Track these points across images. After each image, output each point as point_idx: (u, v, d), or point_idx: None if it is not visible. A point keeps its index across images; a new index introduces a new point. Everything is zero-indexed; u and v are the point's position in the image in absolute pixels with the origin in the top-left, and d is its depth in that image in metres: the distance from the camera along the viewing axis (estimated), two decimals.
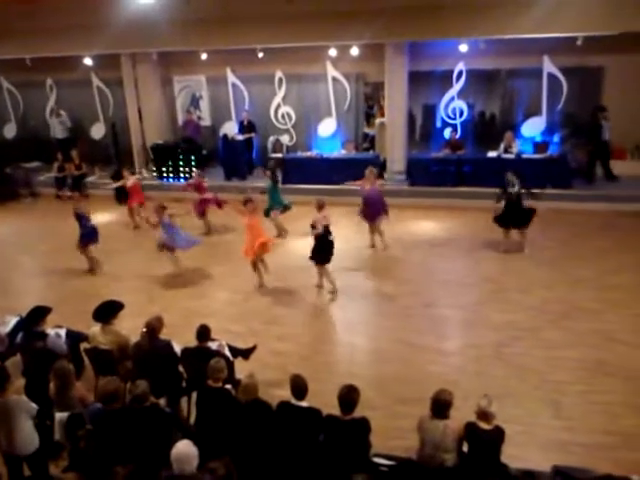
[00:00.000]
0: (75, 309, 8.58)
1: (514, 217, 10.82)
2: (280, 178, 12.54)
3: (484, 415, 4.89)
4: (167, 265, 10.57)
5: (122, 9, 12.98)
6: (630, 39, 12.27)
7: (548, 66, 14.05)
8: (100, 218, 13.39)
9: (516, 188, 10.64)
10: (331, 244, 9.42)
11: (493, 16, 12.61)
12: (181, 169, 16.25)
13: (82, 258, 10.89)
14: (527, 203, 10.80)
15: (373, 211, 11.21)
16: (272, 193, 12.05)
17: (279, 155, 15.72)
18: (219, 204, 12.58)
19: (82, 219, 10.64)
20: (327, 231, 9.25)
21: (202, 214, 12.75)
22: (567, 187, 13.53)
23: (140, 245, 11.80)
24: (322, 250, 9.38)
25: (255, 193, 11.31)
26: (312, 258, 9.48)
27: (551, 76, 14.13)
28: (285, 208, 12.09)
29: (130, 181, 13.42)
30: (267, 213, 11.95)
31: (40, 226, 14.18)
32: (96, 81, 17.61)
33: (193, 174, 14.02)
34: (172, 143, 16.62)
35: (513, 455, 5.16)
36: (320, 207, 9.49)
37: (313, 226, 9.29)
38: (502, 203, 10.81)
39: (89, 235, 10.71)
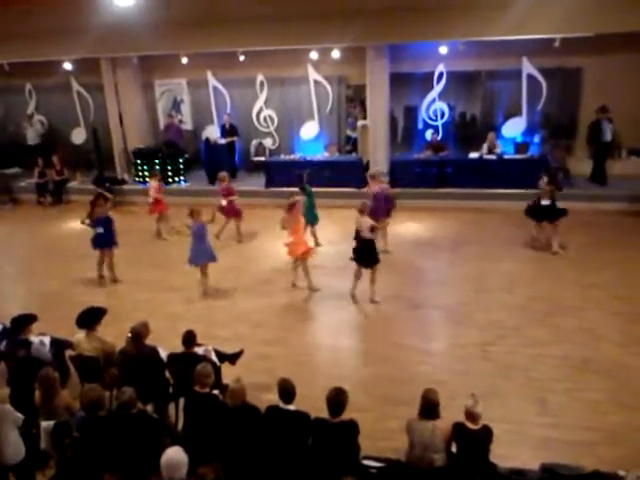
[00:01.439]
0: (58, 316, 8.48)
1: (545, 211, 10.97)
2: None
3: (471, 415, 4.92)
4: (150, 269, 10.50)
5: (102, 13, 12.87)
6: (608, 40, 12.45)
7: (527, 67, 14.21)
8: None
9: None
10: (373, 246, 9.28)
11: (472, 18, 12.70)
12: (164, 173, 16.15)
13: (67, 264, 10.79)
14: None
15: (383, 209, 11.12)
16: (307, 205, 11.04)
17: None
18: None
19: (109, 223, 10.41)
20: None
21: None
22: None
23: (123, 250, 11.69)
24: (367, 253, 9.25)
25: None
26: (357, 260, 9.34)
27: (530, 77, 14.29)
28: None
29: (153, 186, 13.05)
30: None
31: (22, 232, 14.04)
32: (76, 86, 17.49)
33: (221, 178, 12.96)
34: (154, 147, 16.53)
35: (501, 454, 5.20)
36: (362, 211, 9.27)
37: (359, 231, 9.18)
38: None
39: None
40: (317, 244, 11.50)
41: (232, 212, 12.29)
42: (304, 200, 10.54)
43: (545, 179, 11.17)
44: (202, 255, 9.79)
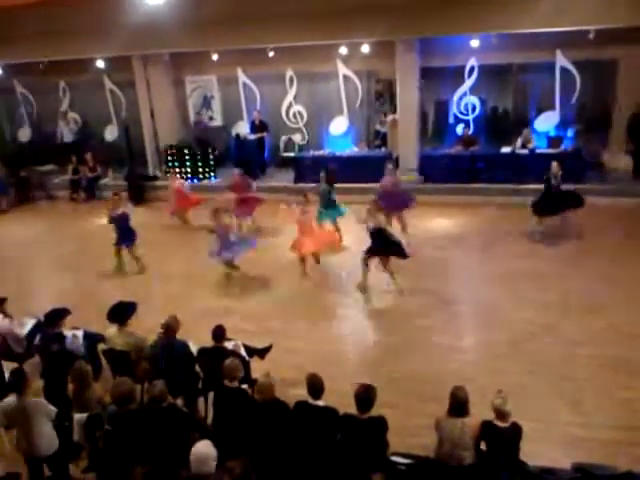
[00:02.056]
0: (91, 310, 8.63)
1: (552, 204, 11.01)
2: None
3: (500, 413, 4.87)
4: (181, 264, 10.62)
5: (133, 11, 13.02)
6: None
7: (561, 60, 13.95)
8: None
9: (558, 180, 10.97)
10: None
11: (504, 10, 12.52)
12: (194, 169, 16.31)
13: (99, 259, 10.97)
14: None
15: (397, 202, 11.24)
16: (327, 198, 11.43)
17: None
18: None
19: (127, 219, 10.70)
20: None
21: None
22: (581, 182, 13.40)
23: (155, 245, 11.83)
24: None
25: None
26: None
27: (564, 70, 14.03)
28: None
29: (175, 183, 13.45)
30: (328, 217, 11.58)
31: (56, 228, 14.30)
32: (108, 83, 17.71)
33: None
34: (185, 144, 16.67)
35: (531, 452, 5.13)
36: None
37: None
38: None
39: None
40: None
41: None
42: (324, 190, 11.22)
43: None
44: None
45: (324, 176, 11.58)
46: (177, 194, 13.50)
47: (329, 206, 11.45)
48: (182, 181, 13.65)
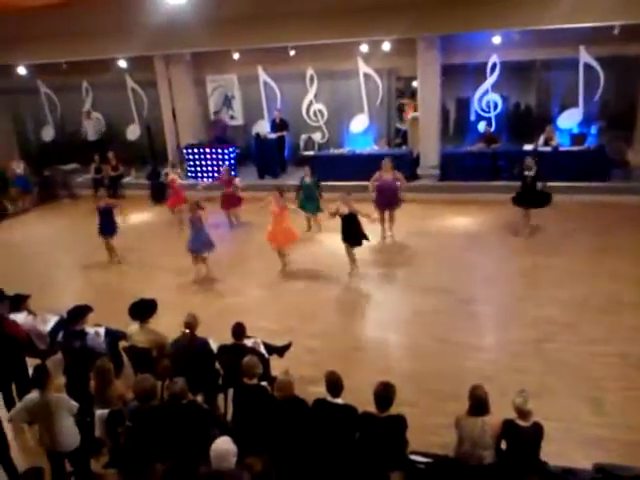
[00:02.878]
0: (113, 308, 8.70)
1: (531, 198, 11.17)
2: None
3: (521, 412, 4.83)
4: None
5: (155, 11, 13.14)
6: None
7: (584, 56, 13.77)
8: (136, 218, 13.61)
9: (532, 172, 11.02)
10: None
11: (527, 6, 12.39)
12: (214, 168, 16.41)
13: (121, 257, 11.11)
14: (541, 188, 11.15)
15: (391, 199, 11.37)
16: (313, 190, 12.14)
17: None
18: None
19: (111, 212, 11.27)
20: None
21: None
22: (605, 180, 13.24)
23: (175, 243, 11.90)
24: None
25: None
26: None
27: (587, 66, 13.84)
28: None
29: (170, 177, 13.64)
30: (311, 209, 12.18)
31: (79, 226, 14.42)
32: (130, 83, 17.87)
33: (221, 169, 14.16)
34: (206, 143, 16.76)
35: (552, 452, 5.09)
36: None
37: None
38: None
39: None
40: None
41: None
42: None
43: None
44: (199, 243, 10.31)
45: (309, 171, 12.21)
46: (172, 189, 13.61)
47: (311, 199, 12.03)
48: (177, 175, 13.74)
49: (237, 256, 11.40)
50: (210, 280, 10.37)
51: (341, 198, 9.99)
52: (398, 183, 11.45)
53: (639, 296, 8.72)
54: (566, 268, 9.92)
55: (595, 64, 13.76)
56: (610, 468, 4.81)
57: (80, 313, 6.89)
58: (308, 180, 12.15)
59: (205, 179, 15.95)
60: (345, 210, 9.78)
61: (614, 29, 12.25)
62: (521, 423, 4.83)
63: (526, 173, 11.10)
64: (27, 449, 6.33)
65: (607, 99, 14.15)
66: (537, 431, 4.83)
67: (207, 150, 16.37)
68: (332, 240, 10.64)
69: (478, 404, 4.95)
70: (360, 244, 9.95)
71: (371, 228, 10.46)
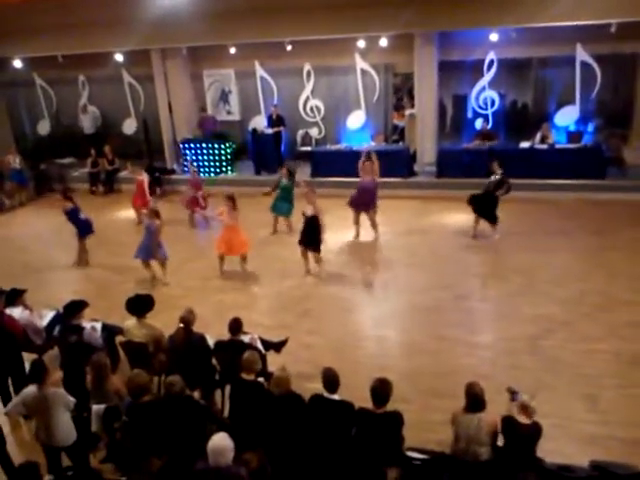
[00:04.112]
0: (110, 302, 8.73)
1: (483, 205, 11.11)
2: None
3: (525, 410, 4.85)
4: (197, 258, 10.68)
5: (151, 5, 13.10)
6: None
7: (581, 54, 13.77)
8: (132, 213, 13.56)
9: (496, 177, 10.89)
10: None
11: (524, 4, 12.41)
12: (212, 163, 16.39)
13: (117, 251, 11.08)
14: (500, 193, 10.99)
15: (366, 201, 11.32)
16: (289, 192, 11.97)
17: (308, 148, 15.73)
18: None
19: (74, 214, 11.08)
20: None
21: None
22: (601, 177, 13.27)
23: (172, 240, 11.88)
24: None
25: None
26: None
27: (584, 64, 13.85)
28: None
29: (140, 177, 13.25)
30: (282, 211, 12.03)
31: None
32: (127, 77, 17.79)
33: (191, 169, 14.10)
34: (202, 138, 16.71)
35: (548, 449, 5.11)
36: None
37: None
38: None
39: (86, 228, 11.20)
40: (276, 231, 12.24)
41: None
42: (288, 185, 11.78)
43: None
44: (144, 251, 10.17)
45: (286, 172, 11.99)
46: (137, 188, 13.28)
47: (285, 201, 11.90)
48: (145, 177, 13.31)
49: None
50: (206, 277, 10.35)
51: (306, 196, 9.95)
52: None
53: (634, 294, 8.77)
54: (562, 265, 9.95)
55: (592, 62, 13.76)
56: (606, 465, 4.83)
57: (76, 308, 6.88)
58: (285, 181, 11.98)
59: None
60: (308, 212, 9.73)
61: (611, 27, 12.27)
62: (521, 420, 4.85)
63: (492, 178, 11.01)
64: (23, 443, 6.33)
65: (604, 97, 14.16)
66: (536, 430, 4.85)
67: (204, 145, 16.32)
68: (331, 235, 10.61)
69: (474, 401, 4.97)
70: (318, 250, 9.89)
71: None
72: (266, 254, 10.91)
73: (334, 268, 10.24)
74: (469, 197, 11.27)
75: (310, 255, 10.08)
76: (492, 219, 11.10)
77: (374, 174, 11.38)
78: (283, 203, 11.96)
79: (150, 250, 10.08)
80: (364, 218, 11.56)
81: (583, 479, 4.78)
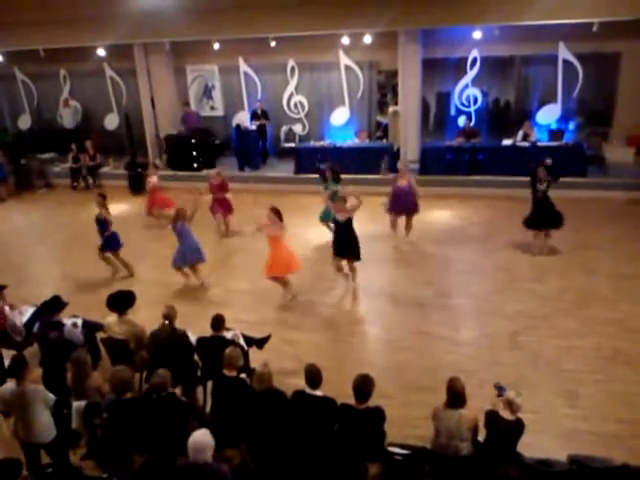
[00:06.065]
0: (90, 298, 8.67)
1: (544, 217, 10.14)
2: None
3: (510, 405, 4.89)
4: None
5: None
6: None
7: (564, 52, 13.88)
8: (114, 209, 13.44)
9: (544, 186, 9.91)
10: None
11: (508, 2, 12.50)
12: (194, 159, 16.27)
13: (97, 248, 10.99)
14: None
15: (408, 205, 10.95)
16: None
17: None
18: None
19: (104, 225, 10.07)
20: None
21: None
22: (582, 175, 13.39)
23: (154, 235, 11.84)
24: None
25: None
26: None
27: (567, 62, 13.96)
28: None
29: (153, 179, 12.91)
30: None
31: (55, 216, 14.29)
32: (109, 71, 17.64)
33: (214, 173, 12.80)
34: (185, 133, 16.61)
35: (528, 444, 5.15)
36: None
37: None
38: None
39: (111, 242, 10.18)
40: None
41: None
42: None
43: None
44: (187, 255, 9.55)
45: (330, 174, 10.87)
46: (152, 192, 12.91)
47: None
48: (156, 178, 12.94)
49: (216, 250, 11.31)
50: (188, 274, 10.30)
51: (348, 196, 9.05)
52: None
53: (614, 290, 8.87)
54: (543, 263, 10.04)
55: (574, 60, 13.88)
56: (584, 460, 4.88)
57: (56, 304, 6.84)
58: (333, 185, 10.63)
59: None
60: (341, 217, 8.91)
61: (593, 26, 12.37)
62: (505, 416, 4.89)
63: (538, 187, 9.95)
64: (2, 441, 6.25)
65: (585, 95, 14.29)
66: (519, 426, 4.90)
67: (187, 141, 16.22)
68: (312, 231, 10.63)
69: (455, 396, 5.00)
70: (359, 258, 9.10)
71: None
72: (250, 251, 10.86)
73: (317, 265, 10.23)
74: (526, 221, 10.28)
75: (344, 264, 9.22)
76: (558, 221, 10.13)
77: (410, 179, 10.92)
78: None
79: (187, 255, 9.43)
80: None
81: (561, 473, 4.82)
